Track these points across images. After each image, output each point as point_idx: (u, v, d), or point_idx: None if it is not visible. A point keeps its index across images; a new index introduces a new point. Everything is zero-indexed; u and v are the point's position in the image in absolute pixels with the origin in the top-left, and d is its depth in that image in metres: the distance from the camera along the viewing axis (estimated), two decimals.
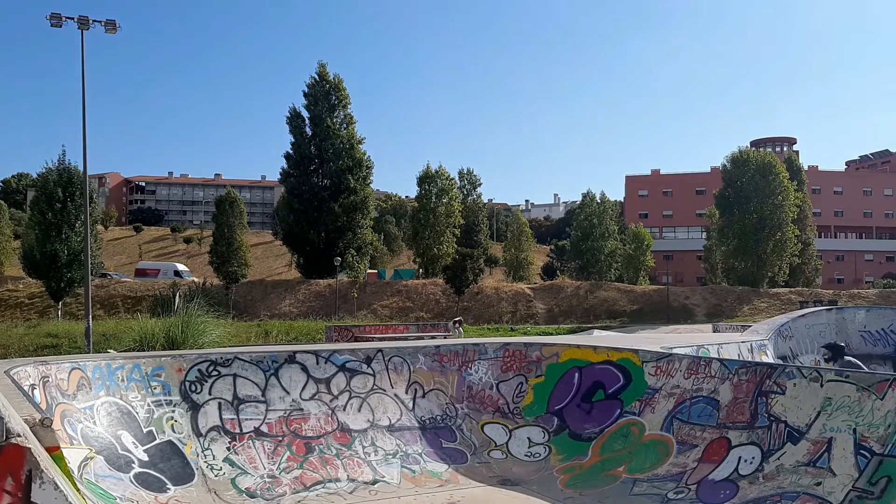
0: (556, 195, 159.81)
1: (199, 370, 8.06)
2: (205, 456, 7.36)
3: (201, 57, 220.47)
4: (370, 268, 65.16)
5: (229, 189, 68.39)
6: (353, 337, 27.15)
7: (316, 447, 8.02)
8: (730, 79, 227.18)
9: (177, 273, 64.70)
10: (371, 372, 9.11)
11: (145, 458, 6.83)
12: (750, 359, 12.66)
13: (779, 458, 6.41)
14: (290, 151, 59.03)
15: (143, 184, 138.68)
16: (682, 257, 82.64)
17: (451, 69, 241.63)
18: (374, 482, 7.72)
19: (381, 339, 23.62)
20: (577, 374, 9.33)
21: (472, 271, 52.29)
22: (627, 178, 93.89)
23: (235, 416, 7.95)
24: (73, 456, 5.68)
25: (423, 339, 24.43)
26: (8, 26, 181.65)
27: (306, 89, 58.89)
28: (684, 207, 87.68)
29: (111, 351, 18.10)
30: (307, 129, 58.76)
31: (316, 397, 8.55)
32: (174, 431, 7.39)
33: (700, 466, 7.02)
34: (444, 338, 25.68)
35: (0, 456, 3.01)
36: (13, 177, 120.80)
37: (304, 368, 8.68)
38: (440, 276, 56.79)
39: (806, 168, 78.44)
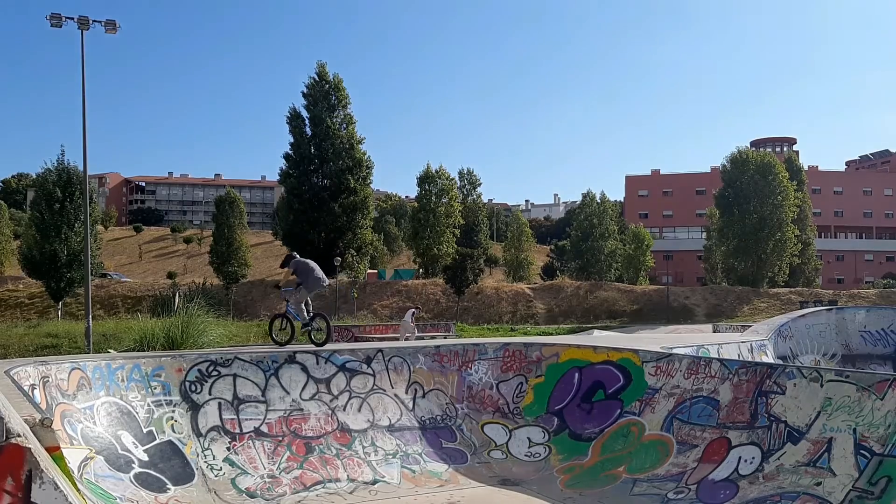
0: (556, 195, 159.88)
1: (199, 370, 8.06)
2: (205, 456, 7.36)
3: (201, 57, 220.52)
4: (370, 268, 65.11)
5: (229, 189, 68.39)
6: (353, 337, 27.16)
7: (316, 447, 8.02)
8: (730, 79, 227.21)
9: None
10: (371, 372, 9.11)
11: (145, 458, 6.83)
12: (750, 359, 12.67)
13: (779, 458, 6.41)
14: (290, 152, 58.96)
15: (143, 184, 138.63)
16: (682, 257, 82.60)
17: (452, 69, 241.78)
18: (374, 482, 7.72)
19: (381, 340, 23.63)
20: (577, 375, 9.33)
21: (472, 271, 52.27)
22: (627, 178, 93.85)
23: (235, 416, 7.95)
24: (73, 456, 5.68)
25: (423, 339, 24.44)
26: (8, 26, 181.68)
27: (305, 89, 58.84)
28: (684, 207, 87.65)
29: (111, 351, 18.09)
30: (307, 130, 58.67)
31: (316, 397, 8.56)
32: (174, 431, 7.39)
33: (700, 466, 7.02)
34: (445, 337, 25.67)
35: (0, 456, 3.01)
36: (13, 177, 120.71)
37: (304, 368, 8.68)
38: (440, 276, 56.78)
39: (806, 168, 78.38)
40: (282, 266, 11.24)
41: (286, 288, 10.99)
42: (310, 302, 10.81)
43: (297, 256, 11.01)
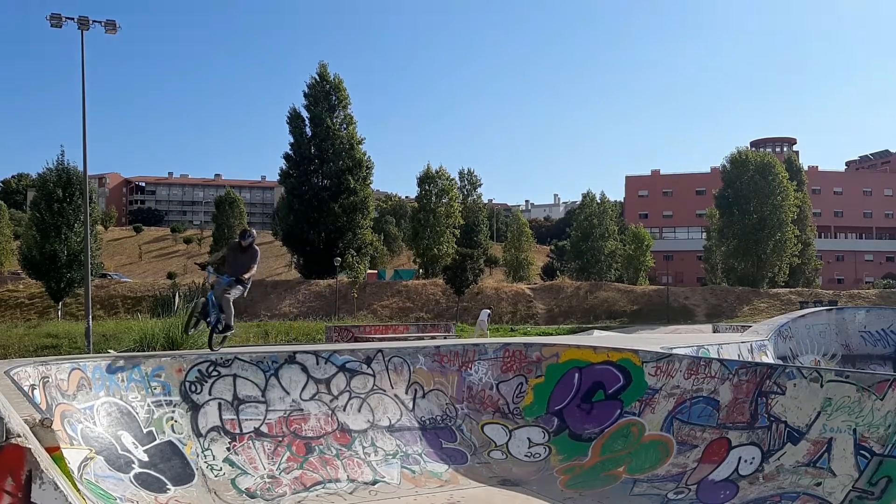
0: (556, 195, 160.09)
1: (199, 370, 8.06)
2: (205, 456, 7.35)
3: (201, 57, 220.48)
4: (370, 268, 65.07)
5: (229, 189, 68.42)
6: (353, 337, 27.11)
7: (316, 447, 8.02)
8: (730, 79, 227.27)
9: None
10: (371, 372, 9.11)
11: (145, 458, 6.83)
12: (750, 359, 12.66)
13: (779, 459, 6.41)
14: (290, 152, 58.99)
15: (143, 184, 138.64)
16: (682, 257, 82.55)
17: (452, 70, 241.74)
18: (374, 482, 7.71)
19: (381, 340, 23.61)
20: (577, 375, 9.33)
21: (472, 271, 52.22)
22: (627, 178, 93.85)
23: (235, 417, 7.95)
24: (73, 456, 5.68)
25: (423, 339, 24.43)
26: (8, 26, 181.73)
27: (306, 89, 58.85)
28: (684, 207, 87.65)
29: (111, 351, 18.07)
30: (307, 130, 58.70)
31: (316, 397, 8.55)
32: (174, 432, 7.39)
33: (700, 467, 7.02)
34: (445, 338, 25.68)
35: (0, 456, 3.01)
36: (13, 177, 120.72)
37: (304, 369, 8.68)
38: (440, 276, 56.75)
39: (806, 168, 78.40)
40: (248, 244, 9.22)
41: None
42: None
43: None
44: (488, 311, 31.84)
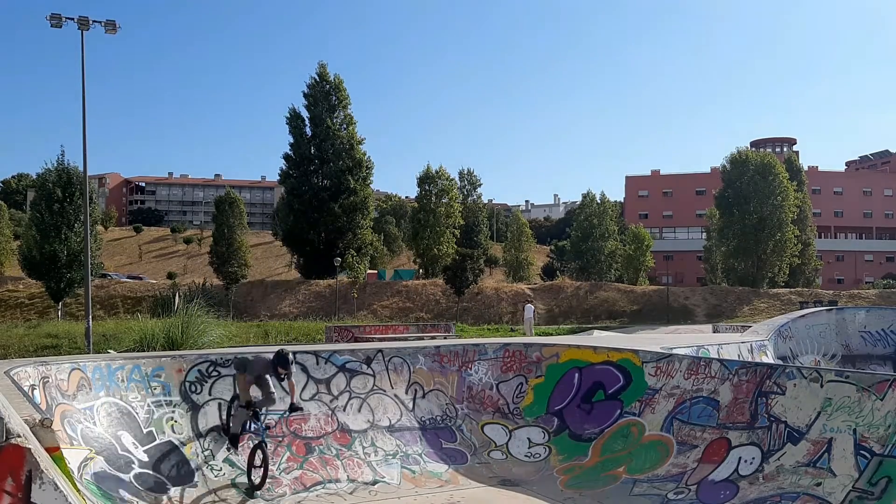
0: (556, 195, 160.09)
1: (199, 371, 8.06)
2: (205, 456, 7.35)
3: (201, 57, 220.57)
4: (370, 268, 65.01)
5: (229, 189, 68.28)
6: (353, 337, 27.09)
7: (316, 447, 8.02)
8: (730, 79, 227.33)
9: None
10: (371, 372, 9.11)
11: (145, 458, 6.83)
12: (750, 359, 12.66)
13: (779, 459, 6.41)
14: (290, 152, 58.99)
15: (143, 184, 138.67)
16: (682, 257, 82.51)
17: (452, 70, 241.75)
18: (374, 482, 7.71)
19: (381, 340, 23.60)
20: (577, 375, 9.33)
21: (472, 271, 52.19)
22: (627, 178, 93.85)
23: None
24: (73, 456, 5.68)
25: (423, 339, 24.42)
26: (8, 26, 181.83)
27: (306, 90, 58.84)
28: (684, 208, 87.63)
29: (111, 351, 18.09)
30: (307, 130, 58.70)
31: (316, 398, 8.55)
32: (174, 432, 7.39)
33: (700, 467, 7.02)
34: (445, 338, 25.67)
35: (0, 456, 3.01)
36: (13, 177, 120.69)
37: (305, 369, 8.67)
38: (440, 276, 56.74)
39: (806, 168, 78.35)
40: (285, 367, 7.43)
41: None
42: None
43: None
44: (532, 305, 31.15)
